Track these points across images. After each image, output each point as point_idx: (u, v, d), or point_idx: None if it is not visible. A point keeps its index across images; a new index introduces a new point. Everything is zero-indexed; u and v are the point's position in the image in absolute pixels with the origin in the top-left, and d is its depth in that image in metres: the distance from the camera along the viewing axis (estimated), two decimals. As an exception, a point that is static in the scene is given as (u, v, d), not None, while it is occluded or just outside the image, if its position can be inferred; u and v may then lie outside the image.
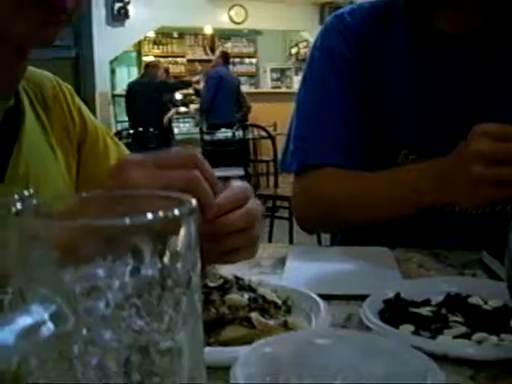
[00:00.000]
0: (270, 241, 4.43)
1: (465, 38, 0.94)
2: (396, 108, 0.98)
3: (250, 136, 4.81)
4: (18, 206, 0.31)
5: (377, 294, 0.61)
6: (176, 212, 0.29)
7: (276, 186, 4.40)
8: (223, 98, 6.32)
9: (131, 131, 4.55)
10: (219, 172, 5.48)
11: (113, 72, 7.94)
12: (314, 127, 1.00)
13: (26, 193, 0.40)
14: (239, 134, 4.58)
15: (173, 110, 7.67)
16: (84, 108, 0.89)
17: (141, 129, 5.91)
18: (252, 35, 10.70)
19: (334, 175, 0.96)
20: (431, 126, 0.96)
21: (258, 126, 4.61)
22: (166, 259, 0.30)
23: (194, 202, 0.32)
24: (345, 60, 0.99)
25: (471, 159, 0.75)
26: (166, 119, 7.44)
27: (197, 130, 7.39)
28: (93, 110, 7.56)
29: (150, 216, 0.28)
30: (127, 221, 0.27)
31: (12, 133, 0.74)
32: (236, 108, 6.74)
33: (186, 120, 8.53)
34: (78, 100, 0.88)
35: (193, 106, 9.01)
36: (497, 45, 0.95)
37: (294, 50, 10.96)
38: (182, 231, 0.30)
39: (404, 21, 0.97)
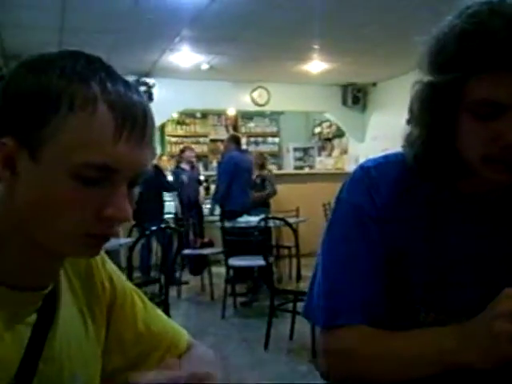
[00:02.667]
0: (291, 337, 4.25)
1: (483, 195, 0.98)
2: (414, 267, 1.00)
3: (271, 224, 4.72)
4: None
5: None
6: None
7: (298, 278, 4.24)
8: (239, 185, 6.08)
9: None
10: (239, 261, 5.32)
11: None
12: (339, 286, 1.02)
13: None
14: (261, 223, 4.49)
15: (202, 191, 7.41)
16: (115, 273, 0.92)
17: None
18: (274, 115, 10.84)
19: (364, 335, 0.98)
20: (448, 285, 0.98)
21: (279, 219, 4.53)
22: None
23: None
24: (371, 219, 1.02)
25: (494, 317, 0.79)
26: (201, 200, 7.17)
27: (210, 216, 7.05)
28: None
29: None
30: None
31: (48, 315, 0.77)
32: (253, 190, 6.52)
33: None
34: (108, 266, 0.92)
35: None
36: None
37: (317, 130, 11.04)
38: None
39: (427, 183, 1.00)
